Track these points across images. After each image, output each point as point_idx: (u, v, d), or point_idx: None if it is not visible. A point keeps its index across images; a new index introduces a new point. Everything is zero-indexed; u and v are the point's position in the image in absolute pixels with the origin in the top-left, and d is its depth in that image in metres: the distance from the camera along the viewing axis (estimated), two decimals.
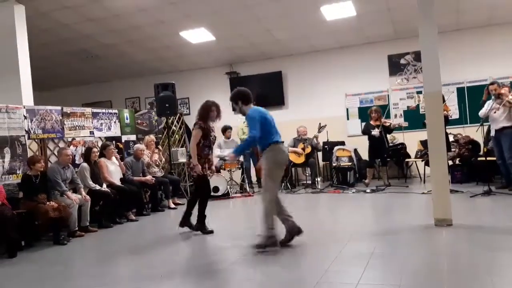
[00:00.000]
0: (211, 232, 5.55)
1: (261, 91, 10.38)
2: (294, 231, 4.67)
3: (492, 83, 7.03)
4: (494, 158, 7.22)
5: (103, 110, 8.16)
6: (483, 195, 6.53)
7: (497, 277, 3.29)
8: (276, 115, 10.04)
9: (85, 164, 6.61)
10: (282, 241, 4.62)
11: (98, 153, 6.96)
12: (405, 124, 9.14)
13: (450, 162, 8.05)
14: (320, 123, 8.74)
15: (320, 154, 9.49)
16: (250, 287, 3.63)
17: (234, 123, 9.69)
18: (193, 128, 5.53)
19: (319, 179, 9.04)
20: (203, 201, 5.65)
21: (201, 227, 5.60)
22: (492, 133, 7.02)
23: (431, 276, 3.50)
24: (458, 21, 8.89)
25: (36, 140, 6.64)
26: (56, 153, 6.73)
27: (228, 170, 9.00)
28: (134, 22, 8.50)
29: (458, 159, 8.33)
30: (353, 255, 4.18)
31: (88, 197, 6.23)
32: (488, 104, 6.93)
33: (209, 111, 5.52)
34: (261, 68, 10.72)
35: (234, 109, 5.12)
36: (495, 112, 6.79)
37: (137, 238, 5.88)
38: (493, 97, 6.87)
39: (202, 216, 5.63)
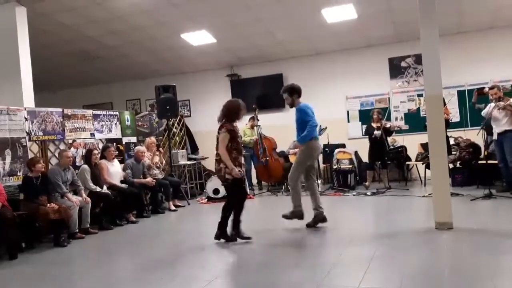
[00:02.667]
0: (249, 238, 5.10)
1: (262, 93, 10.41)
2: (319, 218, 5.55)
3: (492, 87, 7.04)
4: (495, 162, 7.21)
5: (104, 112, 8.16)
6: (484, 199, 6.52)
7: (499, 281, 3.29)
8: (277, 118, 10.20)
9: (85, 166, 6.61)
10: (308, 224, 5.57)
11: (99, 155, 6.97)
12: (405, 127, 9.17)
13: (451, 165, 8.05)
14: (320, 126, 8.73)
15: (320, 156, 9.48)
16: None
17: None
18: (219, 132, 5.24)
19: (319, 181, 9.02)
20: (240, 205, 5.21)
21: (238, 233, 5.14)
22: (495, 137, 7.02)
23: (431, 280, 3.50)
24: (459, 24, 8.90)
25: (37, 142, 6.64)
26: (56, 155, 6.73)
27: None
28: (135, 23, 8.52)
29: (458, 162, 8.32)
30: (354, 258, 4.17)
31: (88, 199, 6.22)
32: (490, 106, 6.93)
33: (238, 111, 5.29)
34: (262, 71, 10.73)
35: (286, 100, 5.78)
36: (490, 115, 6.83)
37: (137, 240, 5.88)
38: (494, 100, 6.88)
39: (238, 222, 5.18)
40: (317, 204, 5.62)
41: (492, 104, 6.87)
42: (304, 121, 5.56)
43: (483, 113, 7.11)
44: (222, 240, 5.14)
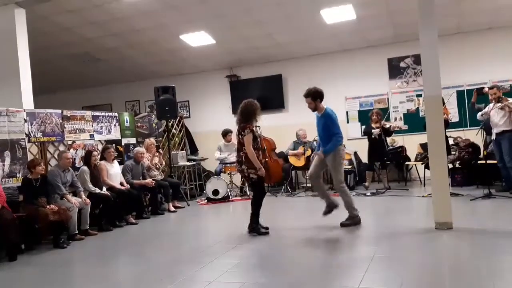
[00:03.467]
0: (267, 231, 5.44)
1: (262, 94, 10.40)
2: (332, 205, 5.72)
3: (491, 87, 7.05)
4: (494, 161, 7.22)
5: (103, 113, 8.16)
6: (484, 198, 6.53)
7: (499, 281, 3.29)
8: (276, 118, 10.20)
9: (85, 168, 6.61)
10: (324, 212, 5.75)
11: (99, 156, 6.97)
12: (405, 127, 9.17)
13: (450, 165, 8.05)
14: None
15: None
16: None
17: (233, 126, 9.69)
18: (242, 134, 5.25)
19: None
20: (260, 202, 5.51)
21: (257, 227, 5.47)
22: (493, 137, 7.03)
23: (432, 280, 3.50)
24: (459, 24, 8.90)
25: (36, 143, 6.63)
26: (56, 156, 6.72)
27: (228, 173, 8.99)
28: (134, 25, 8.53)
29: (458, 162, 8.33)
30: (354, 259, 4.18)
31: (88, 200, 6.22)
32: (489, 107, 6.95)
33: (256, 111, 5.36)
34: (261, 72, 10.73)
35: (308, 105, 5.66)
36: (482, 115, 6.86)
37: (137, 242, 5.88)
38: (493, 100, 6.90)
39: (258, 217, 5.50)
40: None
41: (491, 105, 6.89)
42: (331, 129, 5.55)
43: (479, 115, 7.12)
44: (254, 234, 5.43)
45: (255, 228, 5.44)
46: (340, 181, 5.63)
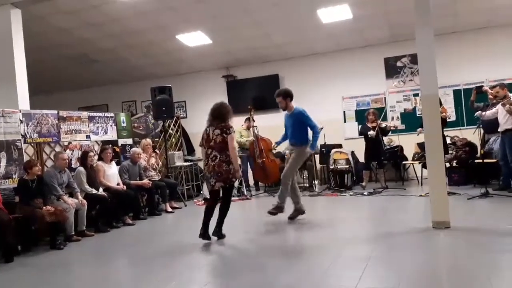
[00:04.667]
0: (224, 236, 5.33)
1: (258, 94, 10.40)
2: (301, 211, 6.08)
3: (493, 86, 7.06)
4: (491, 160, 7.24)
5: (100, 114, 8.13)
6: (481, 197, 6.53)
7: (496, 280, 3.29)
8: (273, 118, 10.20)
9: (81, 168, 6.58)
10: (289, 216, 6.06)
11: (96, 157, 6.94)
12: (402, 126, 9.17)
13: (448, 164, 8.06)
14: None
15: (317, 157, 9.49)
16: None
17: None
18: (226, 133, 5.17)
19: (316, 182, 9.03)
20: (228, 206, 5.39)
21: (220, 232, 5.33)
22: (491, 139, 7.05)
23: (429, 279, 3.50)
24: (455, 23, 8.92)
25: (32, 144, 6.60)
26: (52, 157, 6.69)
27: None
28: (131, 26, 8.52)
29: (455, 161, 8.34)
30: (351, 258, 4.17)
31: (84, 201, 6.19)
32: (497, 109, 6.92)
33: (230, 112, 5.38)
34: (258, 71, 10.73)
35: (279, 104, 6.08)
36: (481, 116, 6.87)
37: (134, 242, 5.85)
38: (491, 98, 6.92)
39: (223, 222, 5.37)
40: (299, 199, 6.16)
41: (499, 104, 6.87)
42: (305, 124, 5.99)
43: (487, 114, 7.05)
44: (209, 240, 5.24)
45: (221, 233, 5.32)
46: (292, 175, 6.04)
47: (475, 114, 7.14)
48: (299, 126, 6.00)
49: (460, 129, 8.98)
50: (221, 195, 5.35)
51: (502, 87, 6.98)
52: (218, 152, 5.16)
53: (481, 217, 5.66)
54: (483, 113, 7.03)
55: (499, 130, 6.97)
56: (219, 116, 5.28)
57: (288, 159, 6.18)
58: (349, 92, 10.17)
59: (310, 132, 6.11)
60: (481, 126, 7.19)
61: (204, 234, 5.20)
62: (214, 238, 5.28)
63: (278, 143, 6.67)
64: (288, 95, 6.04)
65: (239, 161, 9.15)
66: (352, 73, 10.08)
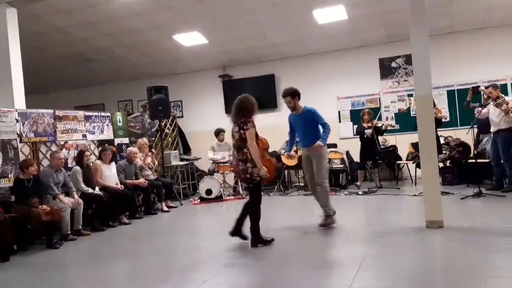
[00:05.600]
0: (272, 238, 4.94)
1: (254, 94, 10.40)
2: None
3: (487, 87, 7.13)
4: (485, 160, 7.31)
5: (96, 113, 8.14)
6: (474, 197, 6.59)
7: (490, 279, 3.34)
8: (269, 118, 10.23)
9: (77, 168, 6.59)
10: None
11: (92, 156, 6.95)
12: (396, 126, 9.23)
13: (441, 164, 8.13)
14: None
15: None
16: None
17: (226, 125, 9.72)
18: (244, 128, 4.74)
19: None
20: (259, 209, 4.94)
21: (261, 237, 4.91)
22: (484, 139, 7.12)
23: (424, 278, 3.54)
24: (450, 24, 8.97)
25: (28, 143, 6.61)
26: (48, 156, 6.70)
27: (221, 173, 9.00)
28: (128, 26, 8.52)
29: (449, 161, 8.41)
30: (346, 257, 4.21)
31: (80, 200, 6.20)
32: (488, 108, 6.99)
33: (253, 105, 4.93)
34: (254, 71, 10.75)
35: (288, 104, 5.68)
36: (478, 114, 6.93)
37: (130, 242, 5.88)
38: (485, 98, 6.99)
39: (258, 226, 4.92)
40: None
41: (491, 104, 6.94)
42: (317, 123, 5.62)
43: (476, 111, 7.11)
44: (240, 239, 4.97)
45: (260, 239, 4.85)
46: (325, 176, 5.59)
47: (475, 110, 7.15)
48: (310, 126, 5.59)
49: (454, 129, 9.05)
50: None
51: (494, 87, 7.04)
52: (236, 150, 4.85)
53: (474, 216, 5.72)
54: (482, 109, 7.07)
55: (491, 130, 7.05)
56: (239, 111, 4.85)
57: (306, 163, 5.68)
58: (344, 92, 10.22)
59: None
60: (474, 126, 7.25)
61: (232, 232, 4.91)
62: (208, 238, 5.30)
63: (289, 150, 6.05)
64: (296, 94, 5.62)
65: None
66: (347, 73, 10.13)
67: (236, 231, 4.93)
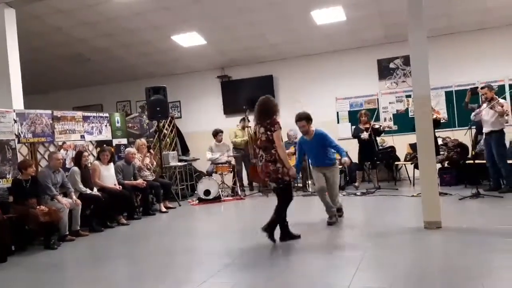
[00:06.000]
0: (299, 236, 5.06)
1: (253, 94, 10.41)
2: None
3: (482, 87, 7.15)
4: (483, 161, 7.32)
5: (94, 114, 8.13)
6: (472, 198, 6.60)
7: (488, 280, 3.35)
8: None
9: (75, 168, 6.58)
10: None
11: (90, 157, 6.95)
12: (394, 127, 9.24)
13: (439, 165, 8.14)
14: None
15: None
16: None
17: (224, 126, 9.76)
18: (272, 130, 4.80)
19: (310, 182, 9.08)
20: (286, 208, 5.02)
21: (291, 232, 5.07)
22: (484, 136, 7.15)
23: (421, 279, 3.55)
24: (448, 25, 8.99)
25: (26, 144, 6.60)
26: (46, 157, 6.69)
27: (219, 174, 9.01)
28: (126, 26, 8.54)
29: (447, 162, 8.42)
30: (345, 257, 4.22)
31: (78, 201, 6.20)
32: (481, 108, 7.01)
33: (276, 106, 5.03)
34: (252, 72, 10.76)
35: (301, 128, 5.81)
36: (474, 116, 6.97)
37: (128, 242, 5.87)
38: (483, 100, 7.02)
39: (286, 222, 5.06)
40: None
41: (484, 105, 6.97)
42: (331, 143, 5.90)
43: (472, 115, 7.19)
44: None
45: (290, 234, 5.02)
46: (338, 193, 6.10)
47: (472, 115, 7.19)
48: (323, 148, 5.86)
49: (452, 130, 9.07)
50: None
51: (490, 88, 7.06)
52: (263, 151, 4.87)
53: (472, 217, 5.73)
54: (476, 113, 7.12)
55: (483, 131, 7.07)
56: (264, 112, 4.91)
57: (319, 176, 5.87)
58: (343, 93, 10.23)
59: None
60: (472, 127, 7.27)
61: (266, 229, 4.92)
62: (206, 239, 5.29)
63: (298, 173, 6.17)
64: (310, 119, 5.77)
65: (233, 161, 9.27)
66: (345, 74, 10.15)
67: (268, 230, 4.91)
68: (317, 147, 5.86)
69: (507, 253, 3.90)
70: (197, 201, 8.59)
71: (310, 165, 6.76)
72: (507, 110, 6.83)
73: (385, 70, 9.97)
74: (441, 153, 8.22)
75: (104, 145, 7.63)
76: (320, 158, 5.92)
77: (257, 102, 5.03)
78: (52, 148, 6.99)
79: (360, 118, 8.61)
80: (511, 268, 3.50)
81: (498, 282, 3.33)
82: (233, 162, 9.25)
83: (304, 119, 5.76)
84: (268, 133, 4.81)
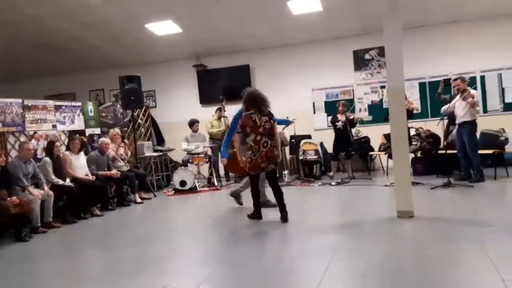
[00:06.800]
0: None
1: (229, 84, 10.38)
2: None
3: (455, 79, 7.29)
4: (454, 151, 7.49)
5: (66, 103, 7.96)
6: (443, 187, 6.75)
7: (458, 268, 3.44)
8: None
9: (47, 159, 6.44)
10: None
11: (63, 147, 6.80)
12: (369, 118, 9.35)
13: (412, 155, 8.28)
14: (287, 117, 8.78)
15: (287, 148, 9.58)
16: (215, 280, 3.66)
17: (200, 116, 9.71)
18: (273, 119, 5.48)
19: (286, 172, 9.13)
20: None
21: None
22: (456, 127, 7.29)
23: (393, 268, 3.62)
24: (424, 17, 9.09)
25: None
26: (17, 147, 6.52)
27: (195, 164, 8.96)
28: (101, 14, 8.35)
29: (419, 152, 8.58)
30: (318, 248, 4.25)
31: (51, 192, 6.06)
32: (454, 100, 7.15)
33: (258, 97, 5.61)
34: (229, 61, 10.68)
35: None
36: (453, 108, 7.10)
37: (102, 234, 5.80)
38: (455, 91, 7.16)
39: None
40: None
41: (457, 97, 7.11)
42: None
43: (443, 109, 7.34)
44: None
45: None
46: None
47: (442, 109, 7.35)
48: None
49: (425, 120, 9.22)
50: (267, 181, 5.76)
51: (462, 80, 7.21)
52: (268, 138, 5.37)
53: (444, 206, 5.86)
54: (445, 107, 7.28)
55: (456, 122, 7.23)
56: (264, 101, 5.50)
57: None
58: (319, 83, 10.27)
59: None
60: (445, 117, 7.41)
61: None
62: (181, 229, 5.28)
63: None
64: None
65: (209, 151, 9.24)
66: (322, 64, 10.17)
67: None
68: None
69: (476, 242, 4.01)
70: (173, 191, 8.53)
71: None
72: (477, 101, 6.98)
73: (360, 61, 10.05)
74: (413, 143, 8.35)
75: (72, 135, 7.46)
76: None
77: (250, 93, 5.63)
78: (22, 138, 6.81)
79: (339, 107, 8.70)
80: (480, 257, 3.60)
81: (466, 269, 3.41)
82: (209, 152, 9.20)
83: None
84: (271, 121, 5.44)
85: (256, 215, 5.58)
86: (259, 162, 5.36)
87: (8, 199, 5.40)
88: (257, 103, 5.44)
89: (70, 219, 6.35)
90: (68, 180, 6.61)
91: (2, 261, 4.72)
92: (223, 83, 10.43)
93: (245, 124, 5.36)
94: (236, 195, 6.50)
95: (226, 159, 6.60)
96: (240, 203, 6.50)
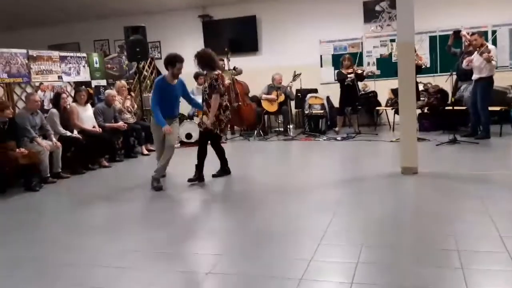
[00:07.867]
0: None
1: (235, 36, 10.19)
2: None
3: (473, 34, 7.12)
4: (461, 108, 7.42)
5: (71, 54, 7.87)
6: (449, 144, 6.75)
7: (458, 223, 3.50)
8: (250, 61, 10.05)
9: (54, 110, 6.46)
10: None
11: (69, 99, 6.80)
12: (377, 72, 9.21)
13: (419, 111, 8.23)
14: (295, 71, 8.69)
15: (293, 102, 9.53)
16: (216, 236, 3.76)
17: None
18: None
19: (291, 126, 9.13)
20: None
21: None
22: (462, 86, 7.20)
23: (395, 223, 3.70)
24: None
25: (1, 84, 6.40)
26: (23, 98, 6.53)
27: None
28: None
29: (426, 108, 8.51)
30: (321, 202, 4.32)
31: (59, 143, 6.13)
32: (473, 57, 7.00)
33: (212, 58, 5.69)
34: (235, 12, 10.41)
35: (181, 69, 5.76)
36: (468, 65, 6.98)
37: (110, 185, 5.90)
38: (466, 45, 7.02)
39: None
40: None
41: (476, 54, 6.94)
42: (186, 95, 6.12)
43: (465, 64, 7.14)
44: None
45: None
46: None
47: (464, 62, 7.17)
48: (180, 97, 5.93)
49: (434, 76, 9.08)
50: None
51: (480, 35, 7.05)
52: (225, 95, 5.57)
53: (448, 163, 5.87)
54: (469, 60, 7.09)
55: (472, 78, 7.11)
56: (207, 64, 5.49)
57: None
58: (327, 36, 10.05)
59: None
60: (454, 73, 7.29)
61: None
62: (185, 182, 5.37)
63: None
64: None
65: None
66: (330, 16, 9.91)
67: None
68: (177, 95, 5.74)
69: (476, 198, 4.06)
70: (179, 144, 8.58)
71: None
72: (492, 56, 6.83)
73: (370, 13, 9.77)
74: (421, 98, 8.27)
75: (77, 87, 7.43)
76: (176, 108, 5.79)
77: (213, 53, 5.66)
78: (29, 89, 6.80)
79: (343, 62, 8.55)
80: (479, 213, 3.65)
81: (466, 225, 3.46)
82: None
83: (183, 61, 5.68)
84: (231, 85, 5.63)
85: (200, 178, 5.45)
86: (229, 121, 5.40)
87: (17, 150, 5.48)
88: (219, 64, 5.41)
89: (79, 169, 6.46)
90: (75, 131, 6.65)
91: (12, 210, 4.86)
92: (229, 35, 10.24)
93: (224, 84, 5.37)
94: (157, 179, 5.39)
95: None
96: (160, 187, 5.29)
